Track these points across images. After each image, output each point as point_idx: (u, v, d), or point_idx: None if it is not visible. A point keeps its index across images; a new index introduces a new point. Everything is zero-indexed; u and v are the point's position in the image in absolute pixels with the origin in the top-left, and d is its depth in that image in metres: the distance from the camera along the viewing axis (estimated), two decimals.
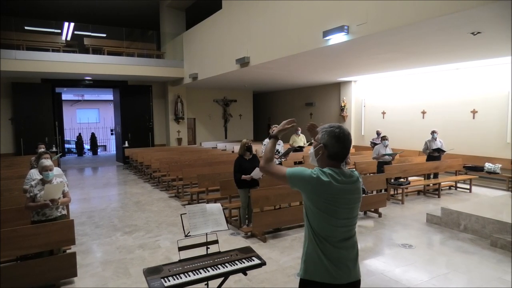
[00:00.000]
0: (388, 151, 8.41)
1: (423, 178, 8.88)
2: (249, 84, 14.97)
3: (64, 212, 4.37)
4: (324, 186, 1.86)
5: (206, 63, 12.08)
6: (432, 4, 5.00)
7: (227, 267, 2.90)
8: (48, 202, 4.00)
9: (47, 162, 4.23)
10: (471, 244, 5.29)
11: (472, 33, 5.91)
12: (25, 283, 3.66)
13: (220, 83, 14.23)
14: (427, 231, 5.97)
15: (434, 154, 8.84)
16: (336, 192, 1.87)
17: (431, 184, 8.72)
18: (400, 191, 8.10)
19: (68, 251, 4.55)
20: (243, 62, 9.55)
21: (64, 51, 12.89)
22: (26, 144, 12.80)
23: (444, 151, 8.87)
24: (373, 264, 4.63)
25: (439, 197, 8.28)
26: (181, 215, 3.23)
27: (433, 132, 8.84)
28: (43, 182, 4.14)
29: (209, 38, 11.72)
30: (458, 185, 9.13)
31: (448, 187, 9.12)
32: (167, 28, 14.90)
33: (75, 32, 15.65)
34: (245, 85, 15.42)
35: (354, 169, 2.19)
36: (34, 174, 5.02)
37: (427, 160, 9.01)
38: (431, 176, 9.01)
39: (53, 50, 12.60)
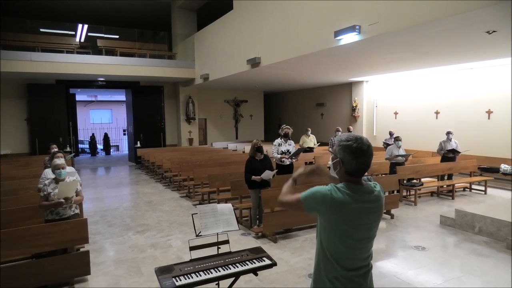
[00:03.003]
0: (401, 152, 8.30)
1: (436, 179, 8.74)
2: (260, 84, 14.97)
3: (77, 211, 4.44)
4: (339, 205, 1.73)
5: (217, 64, 12.12)
6: (446, 3, 4.92)
7: (237, 267, 2.90)
8: (61, 201, 4.06)
9: (59, 160, 4.30)
10: (486, 246, 5.18)
11: (488, 32, 5.79)
12: (40, 280, 3.72)
13: (231, 84, 14.26)
14: (441, 233, 5.87)
15: (448, 155, 8.70)
16: (354, 212, 1.74)
17: (445, 186, 8.57)
18: (413, 192, 7.99)
19: (81, 249, 4.62)
20: (254, 63, 9.56)
21: (78, 53, 13.11)
22: (41, 144, 13.03)
23: (459, 152, 8.71)
24: (385, 266, 4.57)
25: (453, 198, 8.14)
26: (192, 215, 3.24)
27: (448, 133, 8.69)
28: (56, 181, 4.21)
29: (220, 39, 11.77)
30: (473, 186, 8.94)
31: (462, 189, 8.95)
32: (178, 29, 15.01)
33: (89, 34, 15.92)
34: (256, 85, 15.43)
35: (372, 181, 2.03)
36: (48, 173, 5.11)
37: (442, 161, 8.86)
38: (445, 178, 8.86)
39: (67, 52, 12.82)
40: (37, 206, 4.26)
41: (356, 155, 1.75)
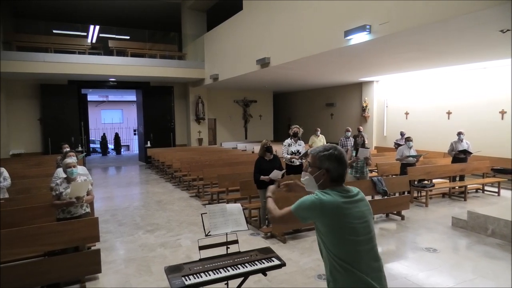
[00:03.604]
0: (413, 152, 8.20)
1: (448, 181, 8.62)
2: (269, 84, 14.96)
3: (88, 210, 4.49)
4: (330, 205, 1.77)
5: (226, 64, 12.16)
6: (458, 2, 4.84)
7: (247, 267, 2.90)
8: (73, 200, 4.12)
9: (69, 159, 4.37)
10: (499, 249, 5.09)
11: (501, 31, 5.69)
12: (52, 278, 3.78)
13: (240, 84, 14.29)
14: (453, 235, 5.79)
15: (460, 155, 8.57)
16: (344, 208, 1.78)
17: (457, 187, 8.45)
18: (424, 193, 7.89)
19: (92, 248, 4.67)
20: (264, 63, 9.56)
21: (90, 53, 13.30)
22: (54, 144, 13.23)
23: (471, 153, 8.58)
24: (395, 268, 4.53)
25: (465, 200, 8.02)
26: (201, 214, 3.26)
27: (459, 133, 8.57)
28: (68, 180, 4.27)
29: (230, 39, 11.80)
30: (486, 188, 8.80)
31: (475, 190, 8.81)
32: (188, 29, 15.10)
33: (100, 35, 16.16)
34: (265, 85, 15.42)
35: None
36: (60, 172, 5.17)
37: (453, 162, 8.74)
38: (457, 179, 8.73)
39: (79, 53, 13.00)
40: (49, 205, 4.33)
41: (339, 162, 1.88)
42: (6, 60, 10.92)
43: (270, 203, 2.19)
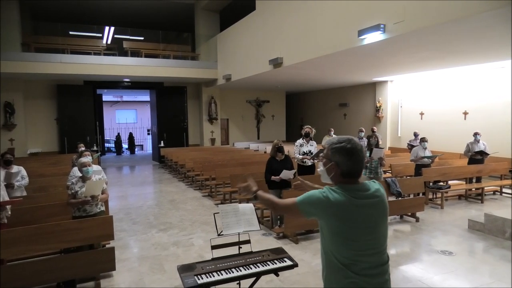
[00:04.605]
0: (427, 153, 8.07)
1: (464, 182, 8.45)
2: (282, 84, 14.93)
3: (103, 208, 4.56)
4: (336, 205, 1.69)
5: (239, 64, 12.19)
6: (475, 1, 4.74)
7: (259, 267, 2.90)
8: (88, 199, 4.19)
9: (84, 159, 4.45)
10: None
11: None
12: (68, 275, 3.85)
13: (253, 84, 14.30)
14: (469, 238, 5.67)
15: (476, 157, 8.40)
16: (353, 211, 1.69)
17: (474, 189, 8.28)
18: (439, 195, 7.76)
19: (107, 246, 4.74)
20: (276, 63, 9.54)
21: (105, 54, 13.50)
22: (70, 143, 13.50)
23: (488, 154, 8.39)
24: (409, 271, 4.46)
25: (482, 202, 7.85)
26: (214, 214, 3.27)
27: (475, 134, 8.40)
28: (83, 179, 4.34)
29: (243, 39, 11.82)
30: (504, 190, 8.59)
31: (492, 192, 8.62)
32: (201, 30, 15.19)
33: (115, 36, 16.41)
34: (278, 85, 15.40)
35: (374, 180, 1.96)
36: (76, 171, 5.26)
37: (469, 163, 8.57)
38: (474, 180, 8.55)
39: (95, 53, 13.22)
40: (66, 203, 4.42)
41: (350, 155, 1.75)
42: (25, 61, 11.20)
43: (266, 200, 2.09)
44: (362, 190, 1.76)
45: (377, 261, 1.74)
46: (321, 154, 1.95)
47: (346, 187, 1.75)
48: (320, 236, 1.86)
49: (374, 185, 1.82)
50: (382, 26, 6.15)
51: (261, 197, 2.12)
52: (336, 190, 1.74)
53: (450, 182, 8.24)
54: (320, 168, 1.93)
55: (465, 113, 10.81)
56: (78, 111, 14.04)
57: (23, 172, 5.55)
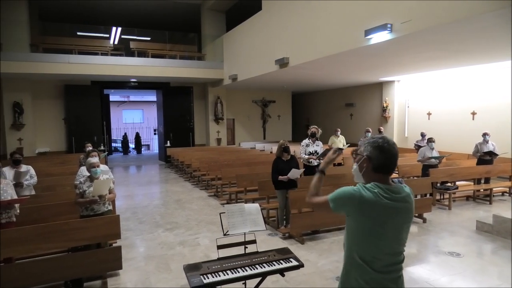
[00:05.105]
0: (435, 153, 8.01)
1: (472, 183, 8.36)
2: (288, 84, 14.92)
3: (110, 207, 4.60)
4: (368, 204, 1.71)
5: (245, 64, 12.19)
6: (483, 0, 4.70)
7: (264, 267, 2.90)
8: (96, 198, 4.23)
9: (93, 159, 4.49)
10: None
11: None
12: (75, 273, 3.89)
13: (259, 84, 14.31)
14: (477, 239, 5.61)
15: (485, 157, 8.31)
16: (381, 211, 1.71)
17: (482, 190, 8.19)
18: (447, 196, 7.69)
19: (114, 245, 4.78)
20: (282, 63, 9.53)
21: (112, 55, 13.59)
22: (77, 143, 13.62)
23: (497, 155, 8.30)
24: (416, 272, 4.43)
25: (490, 203, 7.76)
26: (220, 214, 3.28)
27: (484, 134, 8.32)
28: (91, 179, 4.38)
29: (249, 40, 11.82)
30: None
31: (501, 193, 8.52)
32: (207, 30, 15.23)
33: (122, 36, 16.52)
34: (284, 85, 15.38)
35: (403, 184, 1.98)
36: (84, 171, 5.31)
37: (478, 163, 8.48)
38: (482, 181, 8.46)
39: (102, 54, 13.31)
40: (73, 203, 4.46)
41: (383, 149, 1.78)
42: (33, 61, 11.32)
43: (316, 181, 2.05)
44: (393, 192, 1.78)
45: (394, 260, 1.80)
46: (354, 153, 1.97)
47: (378, 185, 1.77)
48: (345, 230, 1.89)
49: (406, 190, 1.85)
50: (389, 25, 6.11)
51: (317, 178, 2.06)
52: (369, 188, 1.77)
53: (458, 183, 8.17)
54: (353, 167, 1.96)
55: (473, 113, 10.70)
56: (86, 111, 14.15)
57: (32, 171, 5.61)
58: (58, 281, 3.94)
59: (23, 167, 5.50)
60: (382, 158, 1.79)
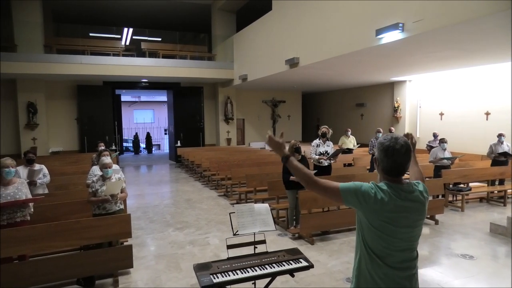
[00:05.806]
0: (447, 154, 7.89)
1: (486, 184, 8.21)
2: (298, 84, 14.87)
3: (122, 206, 4.65)
4: (381, 204, 1.71)
5: (255, 64, 12.20)
6: None
7: (274, 267, 2.90)
8: (108, 197, 4.29)
9: (107, 160, 4.54)
10: None
11: None
12: (87, 271, 3.95)
13: (269, 84, 14.29)
14: (491, 241, 5.51)
15: (500, 158, 8.15)
16: (394, 210, 1.71)
17: (496, 191, 8.04)
18: (459, 197, 7.57)
19: (125, 243, 4.83)
20: (293, 63, 9.50)
21: (124, 55, 13.73)
22: (89, 142, 13.81)
23: None
24: (428, 274, 4.37)
25: (505, 205, 7.61)
26: (229, 214, 3.29)
27: (499, 135, 8.16)
28: (103, 178, 4.44)
29: (259, 40, 11.82)
30: None
31: None
32: (218, 30, 15.27)
33: (133, 37, 16.67)
34: (294, 85, 15.34)
35: (419, 181, 1.94)
36: (96, 170, 5.39)
37: (492, 165, 8.32)
38: (496, 183, 8.30)
39: (114, 54, 13.46)
40: (86, 201, 4.52)
41: (387, 154, 1.76)
42: (47, 62, 11.51)
43: (296, 169, 1.90)
44: (406, 191, 1.77)
45: (407, 257, 1.78)
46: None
47: (390, 185, 1.77)
48: (357, 224, 1.88)
49: (419, 187, 1.83)
50: (400, 25, 6.04)
51: (292, 165, 1.92)
52: (381, 187, 1.77)
53: (471, 184, 8.03)
54: None
55: (487, 114, 10.51)
56: (98, 111, 14.32)
57: (45, 170, 5.70)
58: (71, 279, 4.00)
59: (37, 166, 5.60)
60: (386, 162, 1.78)
